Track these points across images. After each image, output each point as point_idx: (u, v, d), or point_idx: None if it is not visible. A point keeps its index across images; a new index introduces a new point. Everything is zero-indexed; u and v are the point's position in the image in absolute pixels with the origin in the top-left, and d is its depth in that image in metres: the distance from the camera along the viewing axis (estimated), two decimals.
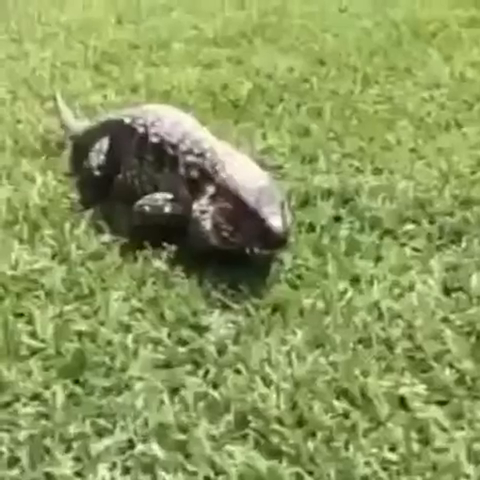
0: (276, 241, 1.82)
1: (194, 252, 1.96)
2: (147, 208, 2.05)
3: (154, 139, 2.14)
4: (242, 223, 1.86)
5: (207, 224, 1.92)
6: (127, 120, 2.26)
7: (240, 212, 1.86)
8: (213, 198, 1.94)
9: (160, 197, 2.06)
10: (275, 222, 1.81)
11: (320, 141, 2.65)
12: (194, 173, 2.02)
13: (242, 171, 1.96)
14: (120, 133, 2.28)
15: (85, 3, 4.72)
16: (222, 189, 1.93)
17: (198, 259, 1.93)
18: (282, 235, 1.81)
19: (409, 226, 2.12)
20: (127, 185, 2.25)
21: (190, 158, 2.05)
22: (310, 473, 1.35)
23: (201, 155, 2.03)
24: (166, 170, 2.10)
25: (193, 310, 1.78)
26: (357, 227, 2.12)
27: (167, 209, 2.04)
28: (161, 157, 2.11)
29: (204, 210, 1.93)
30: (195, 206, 1.96)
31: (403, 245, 2.05)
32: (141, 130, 2.19)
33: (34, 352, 1.67)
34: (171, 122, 2.17)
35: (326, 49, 3.67)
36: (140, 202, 2.07)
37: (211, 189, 1.96)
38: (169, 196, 2.05)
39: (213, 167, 1.99)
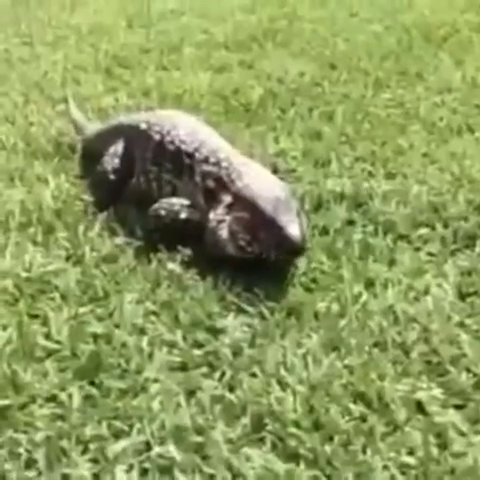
0: (294, 249, 1.84)
1: (210, 259, 1.96)
2: (163, 212, 2.05)
3: (170, 147, 2.15)
4: (259, 232, 1.87)
5: (224, 233, 1.92)
6: (143, 126, 2.27)
7: (257, 221, 1.87)
8: (230, 207, 1.94)
9: (177, 202, 2.06)
10: (293, 230, 1.82)
11: (332, 145, 2.64)
12: (210, 182, 2.03)
13: (258, 180, 1.97)
14: (135, 138, 2.29)
15: (95, 7, 4.73)
16: (239, 198, 1.93)
17: (213, 262, 1.93)
18: (300, 243, 1.82)
19: (423, 230, 2.11)
20: (142, 189, 2.25)
21: (206, 167, 2.05)
22: (328, 477, 1.35)
23: (217, 164, 2.04)
24: (185, 178, 2.11)
25: (208, 313, 1.78)
26: (371, 231, 2.12)
27: (183, 215, 2.04)
28: (179, 165, 2.12)
29: (221, 220, 1.94)
30: (212, 216, 1.96)
31: (417, 249, 2.05)
32: (157, 137, 2.20)
33: (49, 354, 1.67)
34: (187, 130, 2.18)
35: (337, 53, 3.67)
36: (156, 206, 2.06)
37: (228, 198, 1.96)
38: (186, 202, 2.05)
39: (229, 176, 1.99)
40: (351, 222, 2.17)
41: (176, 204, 2.06)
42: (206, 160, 2.07)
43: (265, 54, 3.73)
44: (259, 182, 1.96)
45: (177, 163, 2.14)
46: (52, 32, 4.22)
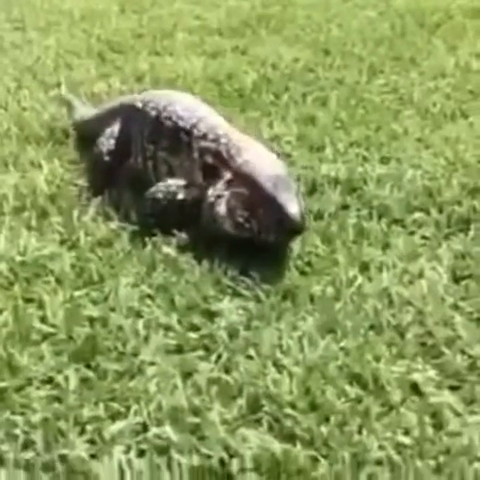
0: (293, 228, 1.83)
1: (205, 236, 1.95)
2: (160, 195, 2.04)
3: (167, 123, 2.13)
4: (258, 209, 1.86)
5: (221, 209, 1.91)
6: (139, 104, 2.26)
7: (257, 198, 1.86)
8: (229, 183, 1.93)
9: (173, 183, 2.05)
10: (293, 209, 1.81)
11: (327, 130, 2.65)
12: (209, 158, 2.02)
13: (259, 157, 1.96)
14: (131, 117, 2.27)
15: None
16: (239, 174, 1.92)
17: (208, 245, 1.93)
18: (299, 222, 1.82)
19: (417, 214, 2.12)
20: (138, 169, 2.23)
21: (204, 143, 2.04)
22: (324, 457, 1.35)
23: (216, 140, 2.02)
24: (182, 155, 2.09)
25: (203, 296, 1.79)
26: (365, 215, 2.12)
27: (181, 195, 2.03)
28: (176, 142, 2.10)
29: (219, 195, 1.93)
30: (210, 191, 1.96)
31: (411, 233, 2.05)
32: (153, 113, 2.18)
33: (45, 337, 1.67)
34: (184, 106, 2.16)
35: (331, 39, 3.66)
36: (153, 189, 2.06)
37: (227, 174, 1.95)
38: (182, 182, 2.04)
39: (228, 152, 1.98)
40: (345, 206, 2.17)
41: (172, 185, 2.05)
42: (204, 136, 2.05)
43: (259, 40, 3.72)
44: (259, 159, 1.95)
45: (174, 140, 2.11)
46: (44, 17, 4.20)
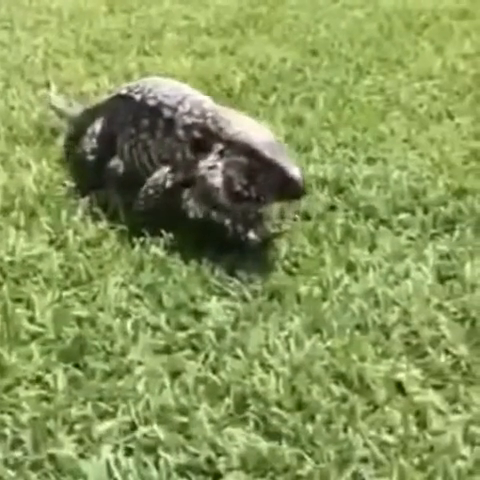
0: (297, 190, 1.85)
1: (198, 213, 1.97)
2: (151, 191, 2.05)
3: (151, 102, 2.13)
4: (259, 175, 1.86)
5: (216, 180, 1.91)
6: (123, 91, 2.26)
7: (256, 165, 1.87)
8: (221, 154, 1.93)
9: (158, 175, 2.05)
10: (295, 172, 1.83)
11: (314, 131, 2.66)
12: (196, 133, 2.01)
13: (250, 127, 1.97)
14: (116, 108, 2.27)
15: None
16: (233, 144, 1.92)
17: (196, 245, 1.95)
18: (301, 185, 1.84)
19: (403, 215, 2.14)
20: (126, 160, 2.22)
21: (190, 119, 2.03)
22: (310, 455, 1.37)
23: (202, 115, 2.02)
24: (159, 134, 2.09)
25: (191, 296, 1.80)
26: (352, 216, 2.14)
27: (168, 182, 2.03)
28: (155, 120, 2.10)
29: (212, 166, 1.93)
30: (201, 164, 1.95)
31: (398, 234, 2.07)
32: (138, 97, 2.18)
33: (34, 336, 1.68)
34: (169, 87, 2.17)
35: (318, 40, 3.68)
36: (143, 188, 2.06)
37: (219, 146, 1.95)
38: (166, 169, 2.04)
39: (216, 124, 1.98)
40: (333, 207, 2.19)
41: (159, 177, 2.05)
42: (190, 112, 2.05)
43: (247, 40, 3.73)
44: (251, 129, 1.96)
45: (154, 119, 2.11)
46: (32, 16, 4.19)
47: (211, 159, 1.95)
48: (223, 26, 3.94)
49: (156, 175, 2.06)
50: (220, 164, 1.93)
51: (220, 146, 1.95)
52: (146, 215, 2.05)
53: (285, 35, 3.78)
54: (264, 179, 1.86)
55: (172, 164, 2.04)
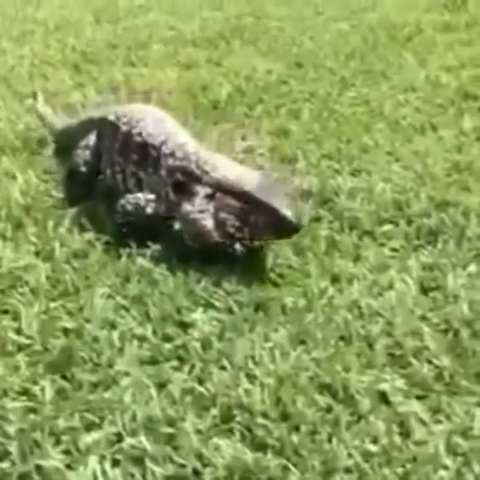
0: (290, 229, 1.90)
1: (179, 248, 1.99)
2: (129, 207, 2.07)
3: (137, 139, 2.16)
4: (251, 217, 1.91)
5: (209, 223, 1.95)
6: (111, 117, 2.29)
7: (248, 207, 1.91)
8: (211, 197, 1.97)
9: (142, 197, 2.08)
10: (287, 212, 1.88)
11: (299, 142, 2.69)
12: (179, 176, 2.05)
13: (237, 170, 2.01)
14: (104, 130, 2.30)
15: (61, 2, 4.73)
16: (223, 187, 1.96)
17: (182, 257, 1.96)
18: (295, 224, 1.89)
19: (387, 227, 2.17)
20: (107, 182, 2.26)
21: (173, 162, 2.07)
22: (295, 465, 1.39)
23: (185, 158, 2.06)
24: (150, 170, 2.12)
25: (177, 307, 1.82)
26: (336, 227, 2.17)
27: (149, 209, 2.06)
28: (145, 157, 2.14)
29: (203, 210, 1.96)
30: (189, 208, 1.99)
31: (381, 245, 2.10)
32: (125, 128, 2.21)
33: (21, 348, 1.69)
34: (154, 122, 2.19)
35: (303, 52, 3.72)
36: (122, 201, 2.08)
37: (204, 190, 1.98)
38: (151, 196, 2.08)
39: (200, 168, 2.01)
40: (317, 218, 2.21)
41: (142, 199, 2.08)
42: (173, 154, 2.08)
43: (232, 51, 3.76)
44: (238, 171, 2.00)
45: (143, 155, 2.15)
46: (18, 26, 4.21)
47: (199, 203, 1.98)
48: (209, 37, 3.97)
49: (139, 195, 2.09)
50: (210, 207, 1.97)
51: (206, 190, 1.98)
52: (126, 227, 2.07)
53: (271, 47, 3.81)
54: (256, 220, 1.91)
55: (158, 197, 2.08)
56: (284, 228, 1.90)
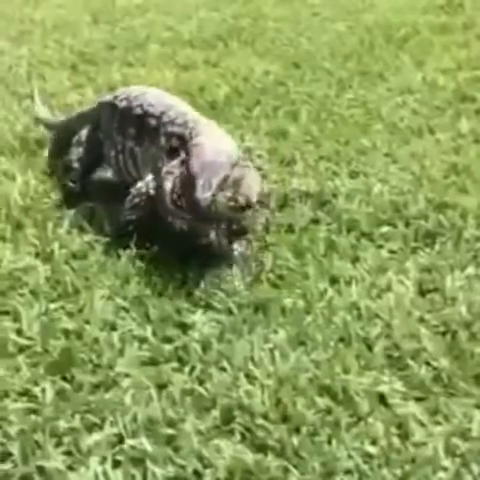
0: (197, 211, 1.85)
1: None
2: (137, 200, 2.06)
3: (137, 111, 2.17)
4: (186, 190, 1.87)
5: (167, 185, 1.93)
6: (108, 98, 2.30)
7: (188, 179, 1.88)
8: (182, 163, 1.95)
9: (141, 184, 2.07)
10: (202, 194, 1.83)
11: (297, 144, 2.70)
12: (174, 141, 2.04)
13: (210, 141, 1.98)
14: (101, 115, 2.30)
15: (59, 2, 4.73)
16: (188, 154, 1.94)
17: (181, 258, 1.97)
18: (203, 207, 1.82)
19: (385, 228, 2.18)
20: (113, 167, 2.26)
21: (172, 128, 2.07)
22: (295, 466, 1.40)
23: (183, 124, 2.06)
24: (146, 143, 2.12)
25: (177, 308, 1.82)
26: (335, 229, 2.18)
27: (152, 190, 2.04)
28: (142, 129, 2.14)
29: (169, 171, 1.95)
30: (164, 168, 1.97)
31: (379, 247, 2.11)
32: (123, 104, 2.22)
33: (21, 349, 1.70)
34: (155, 95, 2.21)
35: (301, 53, 3.72)
36: (128, 198, 2.07)
37: (183, 154, 1.97)
38: (148, 177, 2.06)
39: (190, 134, 2.01)
40: (316, 220, 2.22)
41: (142, 186, 2.06)
42: (173, 121, 2.08)
43: (230, 52, 3.77)
44: (207, 142, 1.96)
45: (141, 127, 2.14)
46: (16, 27, 4.21)
47: (172, 165, 1.97)
48: (206, 38, 3.98)
49: (139, 184, 2.09)
50: (176, 171, 1.95)
51: (183, 155, 1.98)
52: (134, 225, 2.06)
53: (268, 48, 3.82)
54: (187, 194, 1.87)
55: (154, 172, 2.07)
56: (194, 209, 1.85)
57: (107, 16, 4.40)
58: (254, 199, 1.90)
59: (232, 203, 1.85)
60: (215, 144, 1.98)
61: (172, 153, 2.03)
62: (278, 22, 4.25)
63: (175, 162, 1.97)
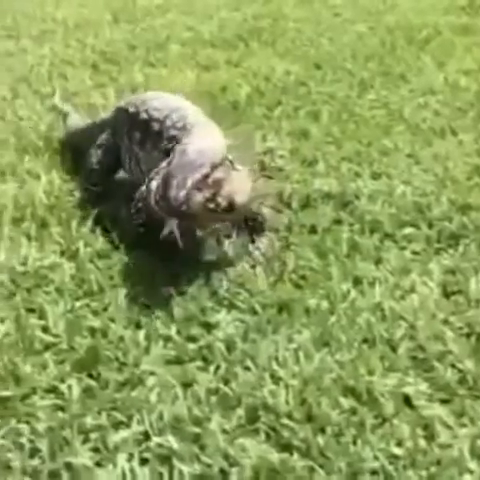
0: (170, 210, 1.81)
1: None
2: (140, 204, 2.03)
3: (143, 115, 2.19)
4: (165, 189, 1.84)
5: (153, 184, 1.92)
6: (122, 103, 2.34)
7: (167, 178, 1.85)
8: (168, 163, 1.94)
9: (144, 188, 2.05)
10: (175, 192, 1.80)
11: (319, 144, 2.70)
12: (171, 144, 2.05)
13: (198, 142, 1.96)
14: (118, 120, 2.33)
15: (80, 1, 4.75)
16: (173, 154, 1.94)
17: (204, 258, 1.98)
18: (174, 206, 1.80)
19: (408, 230, 2.18)
20: (128, 172, 2.29)
21: (172, 132, 2.08)
22: (321, 466, 1.41)
23: (182, 128, 2.07)
24: (148, 146, 2.14)
25: (201, 308, 1.83)
26: (357, 230, 2.18)
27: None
28: (146, 133, 2.16)
29: (158, 172, 1.95)
30: (154, 169, 1.98)
31: (403, 248, 2.11)
32: (132, 109, 2.25)
33: (48, 346, 1.71)
34: (162, 100, 2.22)
35: (322, 53, 3.72)
36: (133, 203, 2.06)
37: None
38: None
39: (183, 135, 2.02)
40: (338, 221, 2.22)
41: (143, 190, 2.03)
42: (174, 125, 2.10)
43: (251, 52, 3.77)
44: (195, 143, 1.95)
45: (145, 131, 2.17)
46: (38, 25, 4.24)
47: (162, 166, 1.97)
48: (227, 38, 3.98)
49: (142, 188, 2.09)
50: (163, 171, 1.92)
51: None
52: (144, 228, 2.05)
53: (288, 48, 3.82)
54: (163, 192, 1.84)
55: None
56: (167, 208, 1.81)
57: (128, 16, 4.41)
58: (239, 201, 1.89)
59: (211, 204, 1.85)
60: (199, 145, 1.96)
61: (168, 156, 2.03)
62: (298, 23, 4.25)
63: (164, 163, 1.98)
